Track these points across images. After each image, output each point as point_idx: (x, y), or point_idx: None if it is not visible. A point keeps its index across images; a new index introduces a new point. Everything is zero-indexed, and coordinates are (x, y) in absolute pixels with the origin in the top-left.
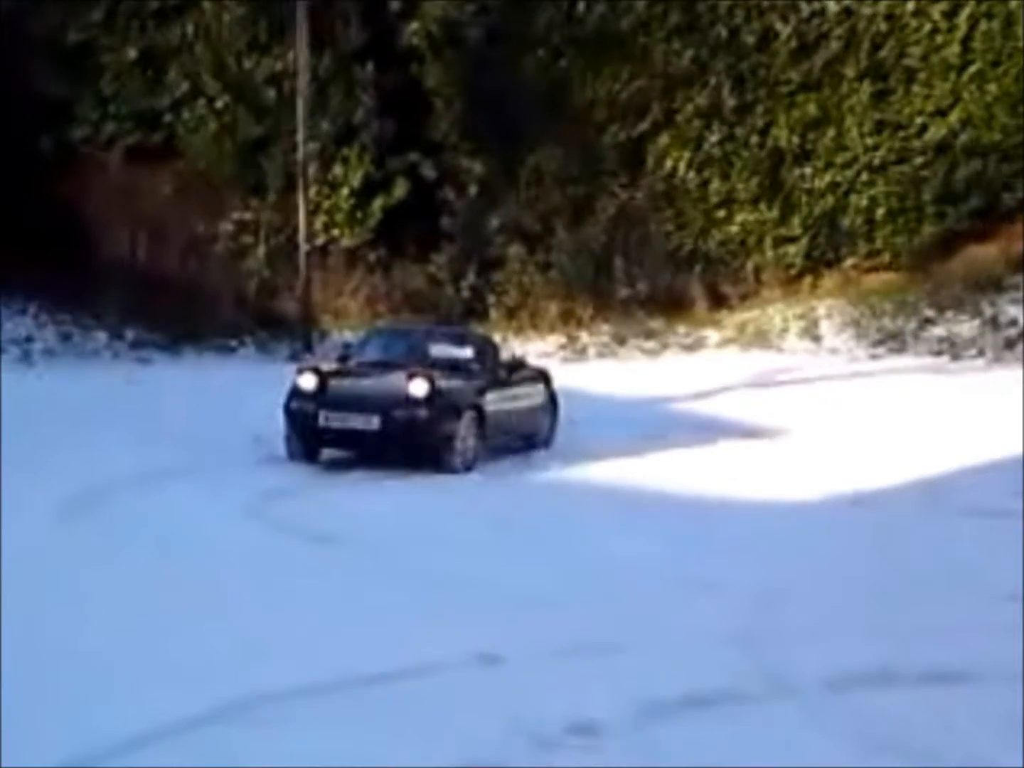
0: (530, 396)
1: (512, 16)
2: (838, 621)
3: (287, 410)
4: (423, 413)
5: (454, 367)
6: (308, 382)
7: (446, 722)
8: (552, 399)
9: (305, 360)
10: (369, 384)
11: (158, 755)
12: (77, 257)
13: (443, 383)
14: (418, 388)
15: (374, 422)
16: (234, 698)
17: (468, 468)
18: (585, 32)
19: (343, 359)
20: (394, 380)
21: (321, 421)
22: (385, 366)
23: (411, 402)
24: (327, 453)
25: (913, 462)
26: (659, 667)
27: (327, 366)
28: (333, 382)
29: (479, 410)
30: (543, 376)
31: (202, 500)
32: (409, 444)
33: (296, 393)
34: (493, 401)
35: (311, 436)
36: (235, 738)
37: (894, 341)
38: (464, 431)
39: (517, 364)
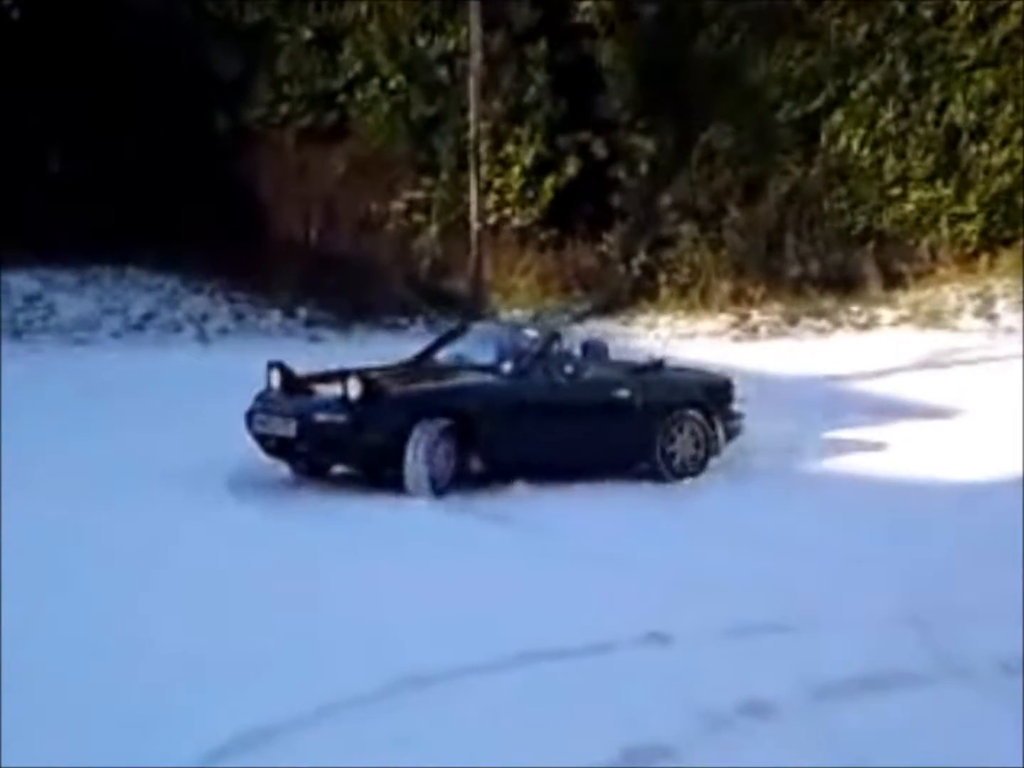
0: (630, 410)
1: None
2: (1012, 603)
3: (247, 412)
4: (342, 419)
5: (475, 369)
6: (274, 379)
7: (619, 700)
8: (710, 419)
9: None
10: (323, 387)
11: (334, 728)
12: (251, 236)
13: (399, 386)
14: (353, 389)
15: (291, 427)
16: (408, 674)
17: (439, 492)
18: (758, 8)
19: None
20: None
21: (257, 426)
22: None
23: (337, 405)
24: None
25: None
26: (830, 647)
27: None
28: (304, 383)
29: (466, 421)
30: (712, 389)
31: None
32: (332, 454)
33: (260, 393)
34: (517, 411)
35: (259, 443)
36: (408, 714)
37: None
38: (424, 444)
39: (643, 367)
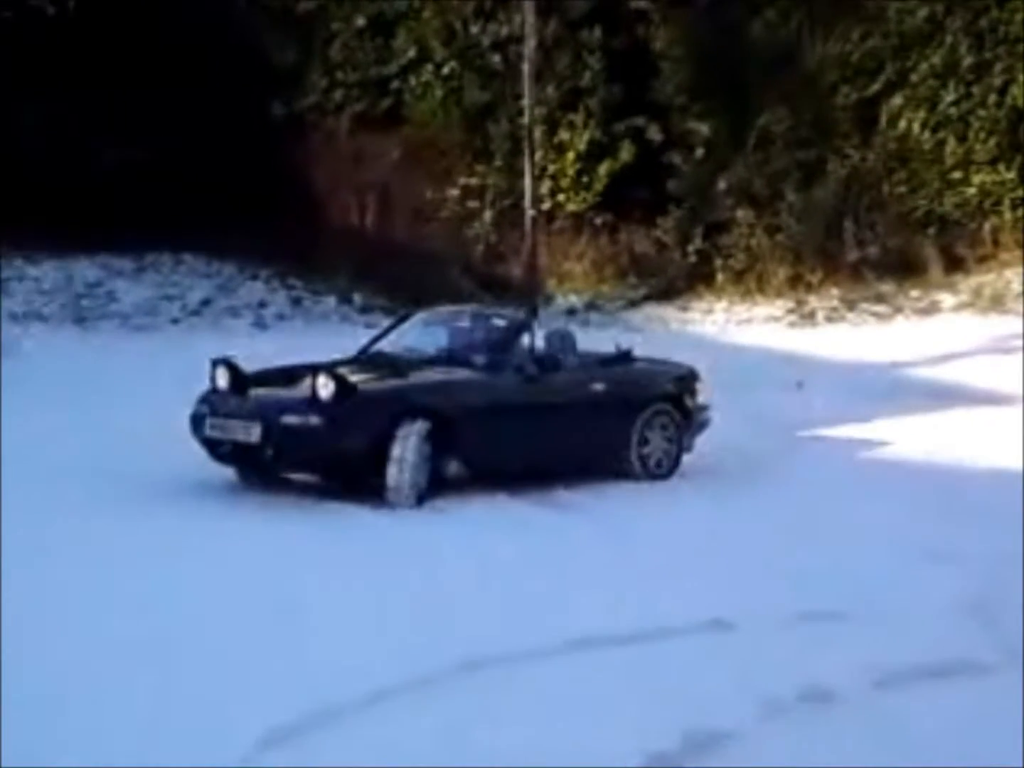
0: (607, 406)
1: None
2: None
3: (192, 415)
4: (316, 420)
5: (445, 362)
6: (221, 378)
7: (680, 685)
8: (683, 412)
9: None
10: (283, 386)
11: (388, 713)
12: (307, 223)
13: (373, 384)
14: (324, 388)
15: (254, 432)
16: (468, 659)
17: (419, 500)
18: None
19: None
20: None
21: (207, 430)
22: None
23: (308, 406)
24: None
25: None
26: (892, 636)
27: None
28: (254, 381)
29: (445, 421)
30: (680, 380)
31: None
32: (302, 461)
33: (206, 394)
34: (497, 409)
35: (208, 449)
36: (465, 699)
37: None
38: (411, 449)
39: (611, 359)
